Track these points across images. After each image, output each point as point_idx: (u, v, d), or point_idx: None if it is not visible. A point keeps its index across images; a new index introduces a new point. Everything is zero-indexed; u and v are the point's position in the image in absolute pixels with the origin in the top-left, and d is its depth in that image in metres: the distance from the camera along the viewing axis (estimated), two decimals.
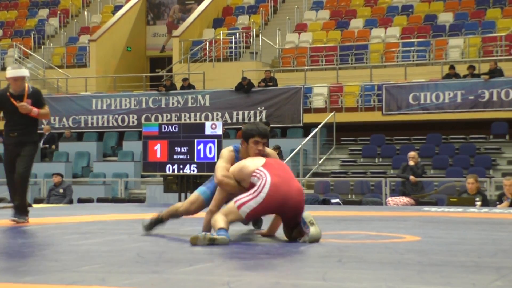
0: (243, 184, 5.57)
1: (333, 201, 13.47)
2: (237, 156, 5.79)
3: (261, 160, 5.58)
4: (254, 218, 5.64)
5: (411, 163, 13.85)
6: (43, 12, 28.53)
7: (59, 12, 28.11)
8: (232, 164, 5.67)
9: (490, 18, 21.73)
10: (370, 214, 9.17)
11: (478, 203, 11.26)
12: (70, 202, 14.82)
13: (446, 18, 22.34)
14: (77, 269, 4.04)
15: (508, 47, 20.02)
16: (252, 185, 5.47)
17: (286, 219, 5.52)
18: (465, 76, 18.27)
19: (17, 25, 28.02)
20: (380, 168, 17.06)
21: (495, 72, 17.85)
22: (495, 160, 16.62)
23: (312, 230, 5.31)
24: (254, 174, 5.47)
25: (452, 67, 18.68)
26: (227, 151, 5.82)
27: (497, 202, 11.39)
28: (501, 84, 17.52)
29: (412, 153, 14.16)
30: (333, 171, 17.38)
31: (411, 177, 13.55)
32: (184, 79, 20.89)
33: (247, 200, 5.38)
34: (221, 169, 5.62)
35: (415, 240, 5.59)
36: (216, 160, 11.87)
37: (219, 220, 5.35)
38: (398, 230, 6.49)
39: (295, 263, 4.31)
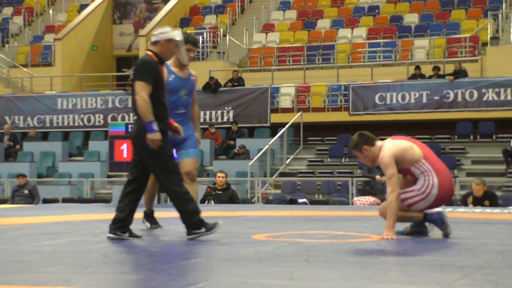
0: (399, 166, 5.66)
1: (300, 201, 13.51)
2: (169, 68, 6.07)
3: (419, 149, 5.74)
4: None
5: None
6: (7, 11, 28.18)
7: (23, 10, 27.79)
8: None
9: (455, 20, 21.99)
10: (337, 213, 9.21)
11: None
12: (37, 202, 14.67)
13: (411, 19, 22.55)
14: (41, 270, 3.99)
15: (472, 48, 20.27)
16: (411, 173, 5.68)
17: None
18: (430, 77, 18.46)
19: None
20: (346, 168, 17.15)
21: (459, 73, 18.05)
22: (460, 160, 16.82)
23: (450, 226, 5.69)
24: (417, 165, 5.67)
25: (417, 68, 18.85)
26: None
27: (459, 202, 11.51)
28: (465, 85, 17.73)
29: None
30: (300, 171, 17.44)
31: (377, 177, 13.63)
32: None
33: (417, 201, 5.66)
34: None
35: (381, 240, 5.62)
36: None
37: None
38: (365, 229, 6.53)
39: (262, 263, 4.31)
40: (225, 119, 19.21)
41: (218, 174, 12.23)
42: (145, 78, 5.42)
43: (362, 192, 13.78)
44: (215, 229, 5.49)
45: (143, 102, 5.38)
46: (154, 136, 5.36)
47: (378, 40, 21.58)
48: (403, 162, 5.70)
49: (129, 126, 12.15)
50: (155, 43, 5.60)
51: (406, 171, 5.76)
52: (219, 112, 19.31)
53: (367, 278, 3.77)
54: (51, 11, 27.91)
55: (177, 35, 5.63)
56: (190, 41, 6.23)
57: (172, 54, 5.71)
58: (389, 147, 5.72)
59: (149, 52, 5.61)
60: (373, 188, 13.67)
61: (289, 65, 21.67)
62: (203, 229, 5.48)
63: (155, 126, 5.39)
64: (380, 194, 13.52)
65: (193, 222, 5.47)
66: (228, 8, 25.27)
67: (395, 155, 5.67)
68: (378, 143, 5.82)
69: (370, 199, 13.20)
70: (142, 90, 5.39)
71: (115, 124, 12.78)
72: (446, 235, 5.72)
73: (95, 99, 20.37)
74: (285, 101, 19.79)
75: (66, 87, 23.14)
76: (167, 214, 7.46)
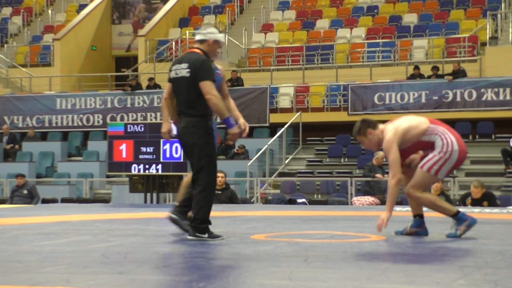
0: (403, 146, 5.68)
1: (299, 201, 13.51)
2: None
3: (424, 119, 5.80)
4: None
5: (375, 162, 13.97)
6: (6, 11, 28.16)
7: (22, 10, 27.77)
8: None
9: (454, 20, 22.00)
10: (336, 213, 9.22)
11: None
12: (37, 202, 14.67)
13: (410, 19, 22.56)
14: (41, 270, 3.99)
15: (471, 48, 20.28)
16: (428, 144, 5.67)
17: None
18: (429, 77, 18.46)
19: None
20: (345, 168, 17.15)
21: (458, 73, 18.06)
22: None
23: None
24: (427, 133, 5.68)
25: (416, 68, 18.86)
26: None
27: (458, 202, 11.52)
28: (464, 84, 17.74)
29: (381, 153, 14.26)
30: (299, 171, 17.44)
31: (378, 175, 13.66)
32: (150, 79, 20.78)
33: (442, 164, 5.61)
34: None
35: (380, 240, 5.63)
36: (183, 160, 11.86)
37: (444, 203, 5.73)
38: (364, 229, 6.53)
39: (261, 263, 4.31)
40: None
41: (217, 174, 12.23)
42: (210, 76, 5.53)
43: (364, 192, 13.79)
44: (217, 239, 5.51)
45: (217, 100, 5.49)
46: (234, 130, 5.54)
47: (377, 40, 21.59)
48: (410, 139, 5.70)
49: (128, 126, 12.13)
50: (202, 41, 5.66)
51: (418, 144, 5.71)
52: None
53: (366, 278, 3.77)
54: (50, 11, 27.90)
55: (222, 37, 5.75)
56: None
57: (215, 54, 5.75)
58: (391, 131, 5.73)
59: (197, 50, 5.65)
60: (373, 189, 13.68)
61: (288, 65, 21.67)
62: (206, 235, 5.51)
63: (232, 121, 5.55)
64: (379, 194, 13.54)
65: (201, 226, 5.50)
66: (227, 8, 25.26)
67: (398, 138, 5.67)
68: (381, 126, 5.84)
69: (369, 199, 13.21)
70: (212, 89, 5.50)
71: (114, 124, 12.75)
72: (451, 236, 5.70)
73: (94, 99, 20.36)
74: (284, 101, 19.79)
75: (65, 87, 23.13)
76: (165, 214, 7.46)
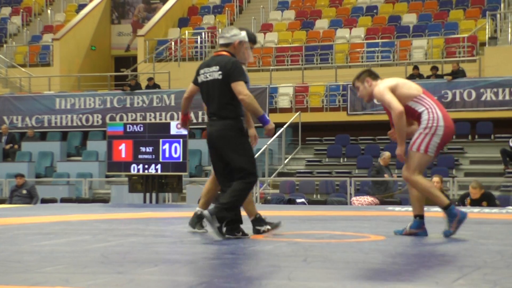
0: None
1: (298, 200, 13.51)
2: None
3: (418, 86, 5.85)
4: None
5: (382, 163, 14.01)
6: (6, 11, 28.15)
7: (21, 10, 27.75)
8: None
9: (453, 20, 22.00)
10: (335, 213, 9.22)
11: None
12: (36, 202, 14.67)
13: (409, 19, 22.56)
14: (40, 270, 3.99)
15: (470, 48, 20.27)
16: (415, 114, 5.73)
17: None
18: (428, 77, 18.46)
19: None
20: (345, 168, 17.16)
21: (458, 73, 18.06)
22: (458, 160, 16.82)
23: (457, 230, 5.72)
24: (416, 99, 5.74)
25: (415, 68, 18.86)
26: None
27: (457, 202, 11.52)
28: (463, 84, 17.74)
29: (388, 154, 14.28)
30: (299, 171, 17.44)
31: (386, 176, 13.64)
32: (150, 79, 20.78)
33: (429, 140, 5.66)
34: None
35: (379, 240, 5.63)
36: (182, 160, 11.86)
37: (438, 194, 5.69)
38: (363, 229, 6.53)
39: (261, 262, 4.31)
40: None
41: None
42: (242, 77, 5.59)
43: (373, 191, 13.84)
44: (220, 236, 5.50)
45: (250, 99, 5.55)
46: (271, 126, 5.60)
47: (376, 40, 21.58)
48: (399, 96, 5.75)
49: (127, 126, 12.13)
50: (227, 45, 5.72)
51: (406, 110, 5.74)
52: None
53: (365, 278, 3.77)
54: (49, 11, 27.89)
55: (245, 36, 5.79)
56: (252, 39, 6.07)
57: (243, 55, 5.80)
58: (383, 83, 5.85)
59: (225, 53, 5.71)
60: (380, 189, 13.72)
61: (287, 65, 21.67)
62: (218, 225, 5.49)
63: (267, 117, 5.60)
64: (378, 193, 13.55)
65: (223, 215, 5.48)
66: (227, 8, 25.26)
67: (390, 87, 5.77)
68: (379, 81, 5.90)
69: (368, 199, 13.21)
70: (244, 89, 5.56)
71: (114, 124, 12.75)
72: (447, 234, 5.71)
73: (93, 99, 20.36)
74: (283, 101, 19.79)
75: (64, 87, 23.13)
76: (167, 214, 7.47)
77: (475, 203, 11.05)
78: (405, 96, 5.76)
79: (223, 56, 5.69)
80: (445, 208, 5.70)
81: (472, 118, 17.57)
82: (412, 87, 5.84)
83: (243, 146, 5.64)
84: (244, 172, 5.59)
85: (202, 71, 5.73)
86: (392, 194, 13.87)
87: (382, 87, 5.79)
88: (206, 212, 5.53)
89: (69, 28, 24.89)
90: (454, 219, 5.68)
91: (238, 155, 5.59)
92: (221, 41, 5.78)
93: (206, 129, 5.93)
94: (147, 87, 20.57)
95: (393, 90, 5.77)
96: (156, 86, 20.60)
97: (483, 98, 17.53)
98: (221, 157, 5.71)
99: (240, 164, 5.61)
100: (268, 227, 5.94)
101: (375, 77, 5.93)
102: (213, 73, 5.64)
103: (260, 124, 5.72)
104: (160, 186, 12.25)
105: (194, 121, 19.30)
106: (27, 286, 3.47)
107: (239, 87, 5.54)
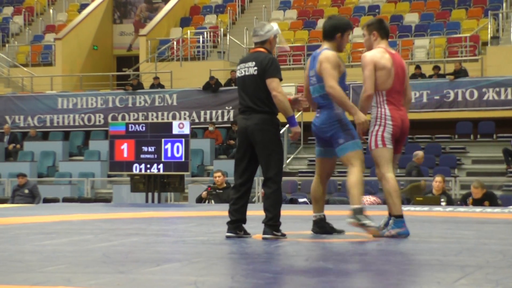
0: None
1: (300, 200, 13.51)
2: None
3: (392, 80, 5.76)
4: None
5: (417, 162, 13.95)
6: (8, 10, 28.17)
7: (24, 10, 27.79)
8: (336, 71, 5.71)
9: (455, 19, 21.99)
10: (337, 213, 9.21)
11: (443, 203, 11.35)
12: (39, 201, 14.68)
13: (412, 18, 22.55)
14: (42, 270, 3.99)
15: (472, 47, 20.26)
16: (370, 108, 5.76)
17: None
18: (430, 76, 18.45)
19: None
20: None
21: (460, 73, 18.05)
22: (460, 160, 16.81)
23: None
24: (376, 94, 5.75)
25: (418, 67, 18.85)
26: (334, 56, 5.76)
27: (459, 202, 11.50)
28: (466, 84, 17.72)
29: (421, 153, 14.22)
30: (301, 171, 17.43)
31: (422, 182, 13.26)
32: (155, 78, 20.80)
33: (382, 134, 5.72)
34: (333, 77, 5.69)
35: (381, 239, 5.62)
36: (184, 159, 11.86)
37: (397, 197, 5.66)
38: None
39: (263, 263, 4.31)
40: (225, 118, 19.21)
41: (215, 174, 12.32)
42: (279, 75, 5.66)
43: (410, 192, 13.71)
44: (284, 238, 5.53)
45: (283, 97, 5.63)
46: (297, 129, 5.69)
47: None
48: (377, 79, 5.74)
49: (129, 125, 12.13)
50: (263, 42, 5.75)
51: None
52: (220, 111, 19.31)
53: (367, 277, 3.77)
54: (51, 11, 27.91)
55: (278, 28, 5.84)
56: (351, 27, 6.16)
57: (273, 45, 5.86)
58: (377, 52, 5.81)
59: (262, 49, 5.74)
60: (373, 188, 13.69)
61: (290, 65, 21.67)
62: (280, 233, 5.55)
63: (295, 119, 5.68)
64: (379, 193, 13.52)
65: (277, 224, 5.55)
66: (229, 8, 25.27)
67: (377, 64, 5.74)
68: (381, 43, 5.85)
69: (370, 198, 13.20)
70: (278, 86, 5.65)
71: (116, 124, 12.76)
72: (381, 234, 5.64)
73: (95, 99, 20.37)
74: None
75: (66, 87, 23.15)
76: (169, 214, 7.47)
77: (477, 202, 11.03)
78: (379, 81, 5.74)
79: (259, 53, 5.74)
80: (397, 217, 5.66)
81: (474, 118, 17.55)
82: (386, 82, 5.77)
83: (278, 142, 5.65)
84: (274, 176, 5.62)
85: (238, 67, 5.82)
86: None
87: (370, 59, 5.73)
88: (266, 236, 5.50)
89: (71, 28, 24.91)
90: (396, 229, 5.63)
91: (271, 152, 5.59)
92: (256, 40, 5.81)
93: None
94: (152, 86, 20.59)
95: (378, 69, 5.73)
96: (158, 85, 20.62)
97: (485, 98, 17.52)
98: (247, 154, 5.69)
99: (269, 162, 5.61)
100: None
101: (384, 34, 5.88)
102: (249, 68, 5.71)
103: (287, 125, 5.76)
104: (162, 186, 12.25)
105: (196, 120, 19.31)
106: (29, 285, 3.48)
107: (274, 84, 5.61)
